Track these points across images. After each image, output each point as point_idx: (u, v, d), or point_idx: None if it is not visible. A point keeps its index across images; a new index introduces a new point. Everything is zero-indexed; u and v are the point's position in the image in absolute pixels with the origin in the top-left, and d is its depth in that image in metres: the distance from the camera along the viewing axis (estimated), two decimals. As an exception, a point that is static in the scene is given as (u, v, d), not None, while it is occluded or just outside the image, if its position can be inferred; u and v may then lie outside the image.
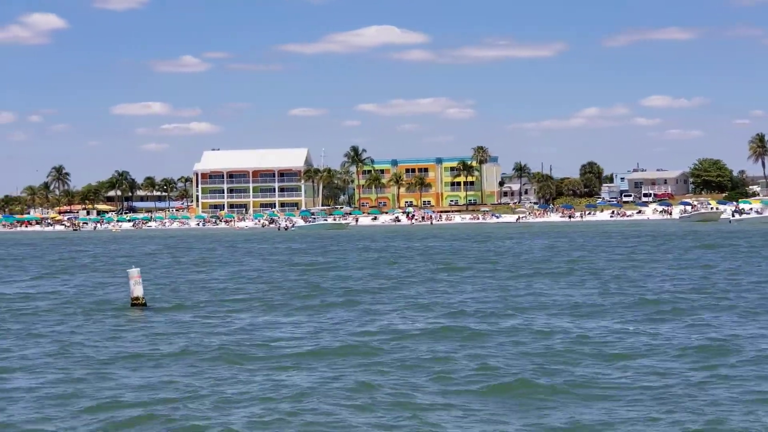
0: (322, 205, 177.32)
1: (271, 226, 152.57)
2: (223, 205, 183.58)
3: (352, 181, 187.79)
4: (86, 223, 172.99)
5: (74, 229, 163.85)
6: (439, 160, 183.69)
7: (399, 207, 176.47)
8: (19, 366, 18.52)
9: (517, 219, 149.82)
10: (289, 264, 51.03)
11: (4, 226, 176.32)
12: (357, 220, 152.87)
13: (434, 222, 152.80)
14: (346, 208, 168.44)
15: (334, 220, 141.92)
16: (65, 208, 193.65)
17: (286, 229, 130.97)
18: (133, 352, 19.88)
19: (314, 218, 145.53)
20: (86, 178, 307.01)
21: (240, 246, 78.62)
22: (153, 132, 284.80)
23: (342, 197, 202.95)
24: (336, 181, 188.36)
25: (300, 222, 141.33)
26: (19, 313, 28.10)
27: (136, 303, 28.06)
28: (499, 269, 42.80)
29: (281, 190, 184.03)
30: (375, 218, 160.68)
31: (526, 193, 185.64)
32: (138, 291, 28.25)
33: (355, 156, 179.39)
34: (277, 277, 41.01)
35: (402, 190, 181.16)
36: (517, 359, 18.16)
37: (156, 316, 26.42)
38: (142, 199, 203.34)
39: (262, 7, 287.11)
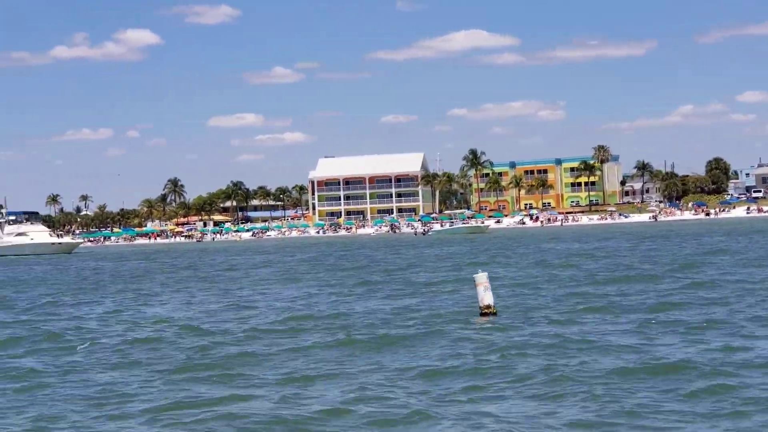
0: (438, 210, 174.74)
1: (394, 232, 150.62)
2: (340, 212, 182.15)
3: (470, 185, 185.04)
4: (205, 234, 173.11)
5: (198, 240, 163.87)
6: (559, 161, 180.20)
7: (520, 209, 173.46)
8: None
9: (652, 218, 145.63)
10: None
11: (125, 239, 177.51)
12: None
13: (563, 224, 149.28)
14: (468, 212, 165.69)
15: (453, 224, 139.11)
16: (182, 219, 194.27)
17: (423, 234, 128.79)
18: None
19: (451, 222, 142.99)
20: (189, 191, 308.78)
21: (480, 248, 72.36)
22: (247, 143, 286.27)
23: (454, 201, 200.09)
24: (454, 186, 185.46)
25: (437, 226, 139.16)
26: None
27: (487, 312, 25.69)
28: None
29: (398, 195, 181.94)
30: (498, 221, 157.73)
31: (647, 191, 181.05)
32: (488, 298, 25.84)
33: (474, 159, 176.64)
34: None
35: (521, 192, 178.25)
36: None
37: (518, 328, 23.86)
38: (255, 208, 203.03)
39: (350, 16, 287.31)
